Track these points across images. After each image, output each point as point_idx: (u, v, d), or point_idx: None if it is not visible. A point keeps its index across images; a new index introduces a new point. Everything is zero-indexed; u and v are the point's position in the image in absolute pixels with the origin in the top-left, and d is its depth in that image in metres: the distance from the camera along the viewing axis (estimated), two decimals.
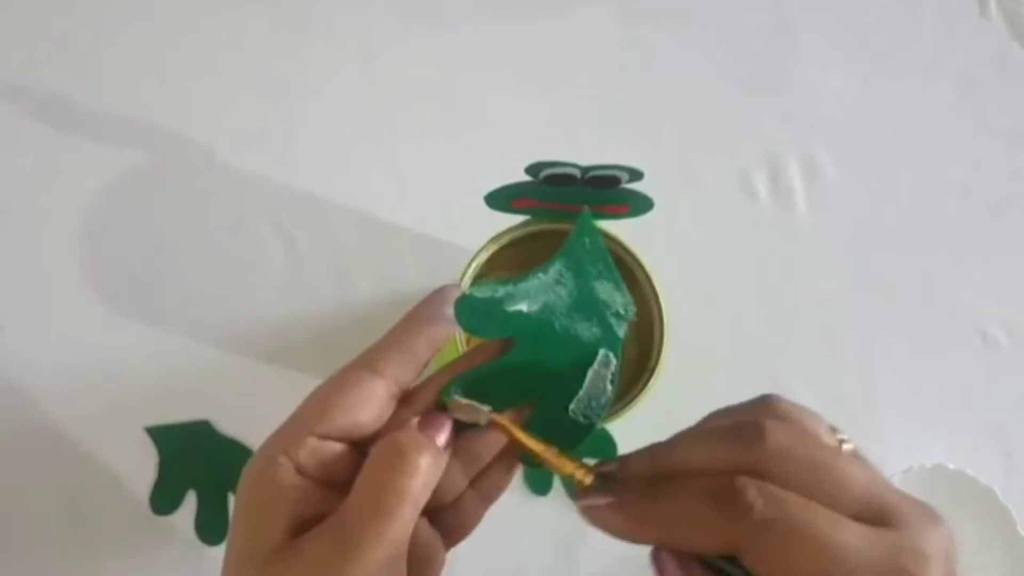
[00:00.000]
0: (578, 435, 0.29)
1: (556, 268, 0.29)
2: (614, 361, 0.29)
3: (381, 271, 0.52)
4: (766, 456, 0.24)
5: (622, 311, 0.30)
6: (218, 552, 0.48)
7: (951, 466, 0.47)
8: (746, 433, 0.24)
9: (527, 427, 0.28)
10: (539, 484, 0.49)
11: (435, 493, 0.26)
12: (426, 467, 0.25)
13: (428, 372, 0.30)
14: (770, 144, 0.56)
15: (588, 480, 0.27)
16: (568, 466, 0.27)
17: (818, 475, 0.23)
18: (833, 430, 0.25)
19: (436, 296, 0.29)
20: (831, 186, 0.56)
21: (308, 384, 0.30)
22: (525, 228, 0.40)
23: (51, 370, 0.49)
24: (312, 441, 0.25)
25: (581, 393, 0.29)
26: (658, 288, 0.42)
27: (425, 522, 0.28)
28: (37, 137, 0.52)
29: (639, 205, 0.38)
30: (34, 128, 0.52)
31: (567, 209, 0.40)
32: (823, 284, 0.54)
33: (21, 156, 0.52)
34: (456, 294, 0.28)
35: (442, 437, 0.26)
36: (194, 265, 0.51)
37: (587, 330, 0.29)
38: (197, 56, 0.55)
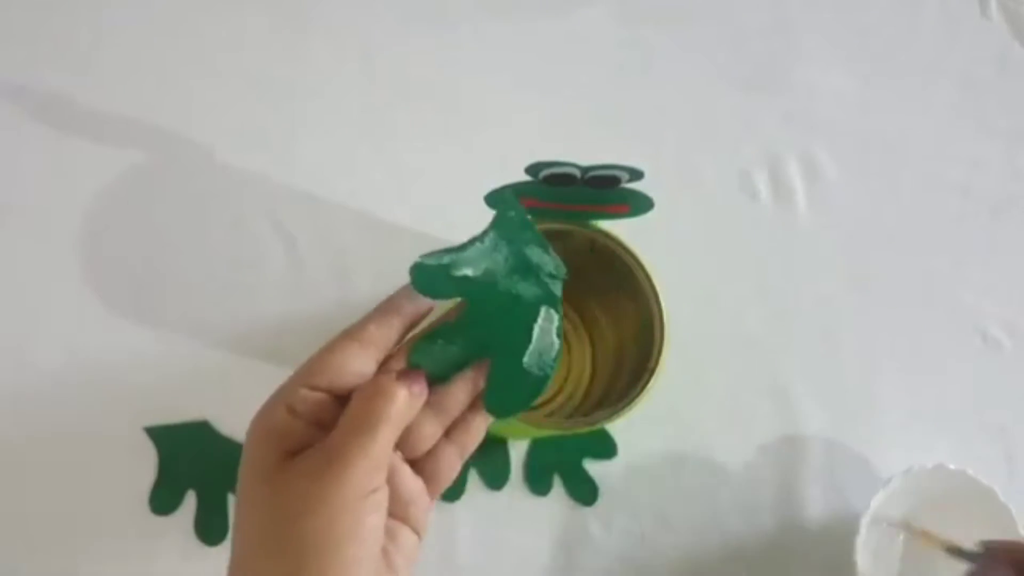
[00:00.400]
0: (536, 387, 0.32)
1: (491, 237, 0.33)
2: (556, 316, 0.32)
3: (381, 271, 0.52)
4: None
5: (554, 271, 0.33)
6: (218, 552, 0.48)
7: (952, 466, 0.47)
8: None
9: (487, 381, 0.32)
10: (539, 484, 0.49)
11: (413, 441, 0.31)
12: (403, 398, 0.30)
13: None
14: (770, 144, 0.56)
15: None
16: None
17: None
18: None
19: (409, 285, 0.33)
20: (831, 186, 0.56)
21: None
22: None
23: (51, 370, 0.49)
24: (303, 391, 0.30)
25: (531, 347, 0.32)
26: (658, 288, 0.42)
27: (408, 469, 0.32)
28: (37, 137, 0.52)
29: (639, 205, 0.39)
30: (34, 128, 0.52)
31: (567, 209, 0.40)
32: (823, 284, 0.54)
33: (21, 156, 0.52)
34: None
35: (416, 387, 0.31)
36: (194, 265, 0.51)
37: (527, 290, 0.32)
38: (197, 56, 0.55)
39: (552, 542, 0.49)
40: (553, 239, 0.34)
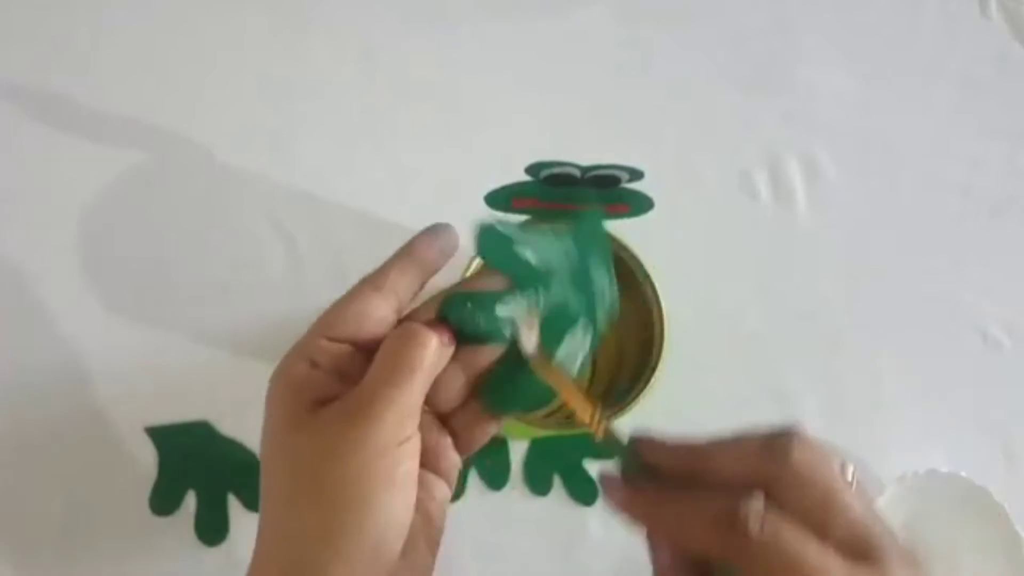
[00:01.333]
0: (541, 397, 0.31)
1: (567, 240, 0.32)
2: (590, 338, 0.31)
3: None
4: (789, 471, 0.26)
5: (609, 304, 0.32)
6: (218, 552, 0.48)
7: (944, 469, 0.47)
8: (777, 447, 0.27)
9: (491, 371, 0.30)
10: (539, 484, 0.49)
11: (439, 394, 0.30)
12: (434, 344, 0.29)
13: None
14: (770, 144, 0.56)
15: (600, 433, 0.30)
16: (586, 412, 0.30)
17: (827, 499, 0.26)
18: (844, 466, 0.28)
19: (429, 230, 0.33)
20: (831, 186, 0.56)
21: None
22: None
23: (51, 369, 0.49)
24: (323, 342, 0.30)
25: (556, 356, 0.30)
26: (658, 288, 0.42)
27: (436, 421, 0.31)
28: (37, 137, 0.52)
29: (639, 205, 0.38)
30: (34, 128, 0.52)
31: (567, 209, 0.40)
32: (823, 284, 0.54)
33: (21, 156, 0.52)
34: (446, 232, 0.32)
35: (445, 336, 0.30)
36: (194, 265, 0.51)
37: (576, 303, 0.31)
38: (197, 56, 0.55)
39: (552, 542, 0.49)
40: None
